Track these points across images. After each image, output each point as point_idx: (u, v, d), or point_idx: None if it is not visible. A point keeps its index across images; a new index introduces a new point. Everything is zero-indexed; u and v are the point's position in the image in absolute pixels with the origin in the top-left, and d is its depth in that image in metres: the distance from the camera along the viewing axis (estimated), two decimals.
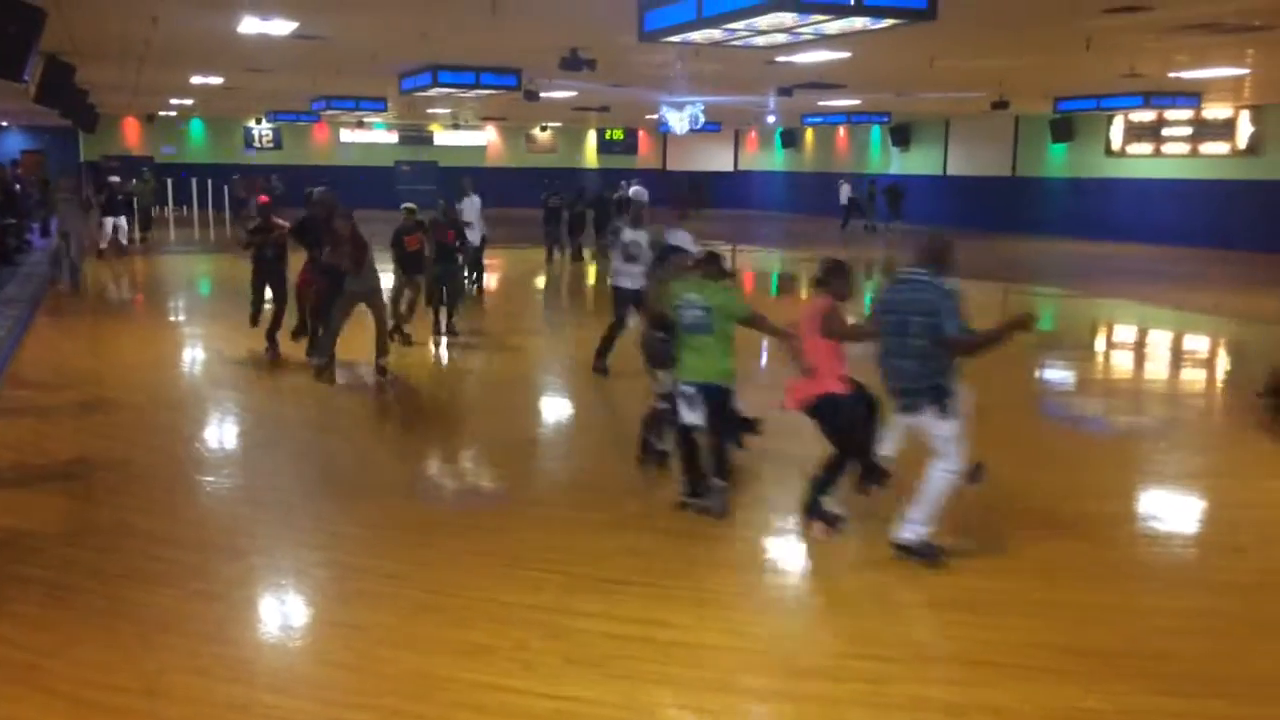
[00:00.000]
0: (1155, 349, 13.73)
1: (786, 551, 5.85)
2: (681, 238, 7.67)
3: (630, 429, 7.30)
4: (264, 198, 12.84)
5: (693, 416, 6.04)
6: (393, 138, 38.71)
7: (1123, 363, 13.07)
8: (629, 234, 9.80)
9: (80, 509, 6.25)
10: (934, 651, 4.52)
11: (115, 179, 22.95)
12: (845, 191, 32.01)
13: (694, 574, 5.29)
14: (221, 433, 8.36)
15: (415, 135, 38.75)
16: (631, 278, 9.40)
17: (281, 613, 4.97)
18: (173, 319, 14.60)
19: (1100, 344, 14.12)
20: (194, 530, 5.96)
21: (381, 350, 9.69)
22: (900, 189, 31.05)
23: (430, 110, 31.71)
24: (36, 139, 34.90)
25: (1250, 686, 4.28)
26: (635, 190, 12.89)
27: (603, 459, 7.60)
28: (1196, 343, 13.91)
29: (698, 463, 6.17)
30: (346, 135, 37.90)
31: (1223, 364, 12.61)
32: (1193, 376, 12.12)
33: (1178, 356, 13.09)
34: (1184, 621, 4.96)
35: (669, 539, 5.79)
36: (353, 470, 7.27)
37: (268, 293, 10.85)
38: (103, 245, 19.83)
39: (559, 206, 22.16)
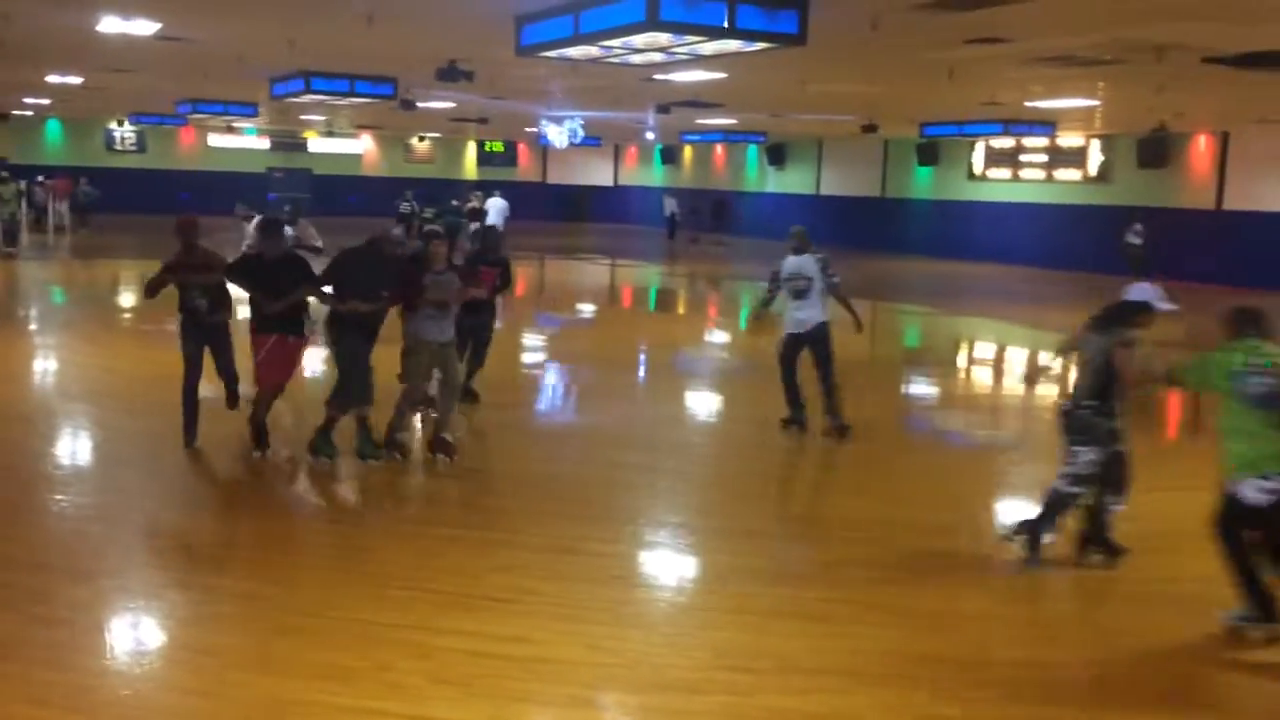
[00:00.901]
0: (1011, 364, 14.31)
1: (653, 567, 5.89)
2: (1144, 291, 5.84)
3: (506, 442, 7.24)
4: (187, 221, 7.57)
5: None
6: (265, 143, 37.67)
7: (981, 378, 13.58)
8: (792, 263, 8.62)
9: None
10: (795, 663, 4.60)
11: None
12: (670, 205, 33.99)
13: (561, 590, 5.28)
14: (72, 448, 7.98)
15: (289, 141, 37.81)
16: (800, 317, 8.45)
17: (129, 638, 4.77)
18: (27, 328, 13.88)
19: (961, 360, 14.65)
20: (36, 551, 5.67)
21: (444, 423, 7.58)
22: (724, 203, 32.86)
23: (304, 116, 30.95)
24: None
25: (1101, 694, 4.47)
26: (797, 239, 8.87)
27: (475, 476, 7.53)
28: (1049, 359, 14.55)
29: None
30: (215, 140, 36.72)
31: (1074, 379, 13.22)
32: (1046, 391, 12.67)
33: (1032, 372, 13.67)
34: (1035, 630, 5.17)
35: (538, 555, 5.76)
36: (210, 488, 7.04)
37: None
38: None
39: (409, 213, 24.31)
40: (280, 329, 7.21)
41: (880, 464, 8.27)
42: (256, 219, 6.57)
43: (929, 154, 28.49)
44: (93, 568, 5.45)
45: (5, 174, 24.24)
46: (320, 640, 4.66)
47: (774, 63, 13.55)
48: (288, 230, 9.80)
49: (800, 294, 8.50)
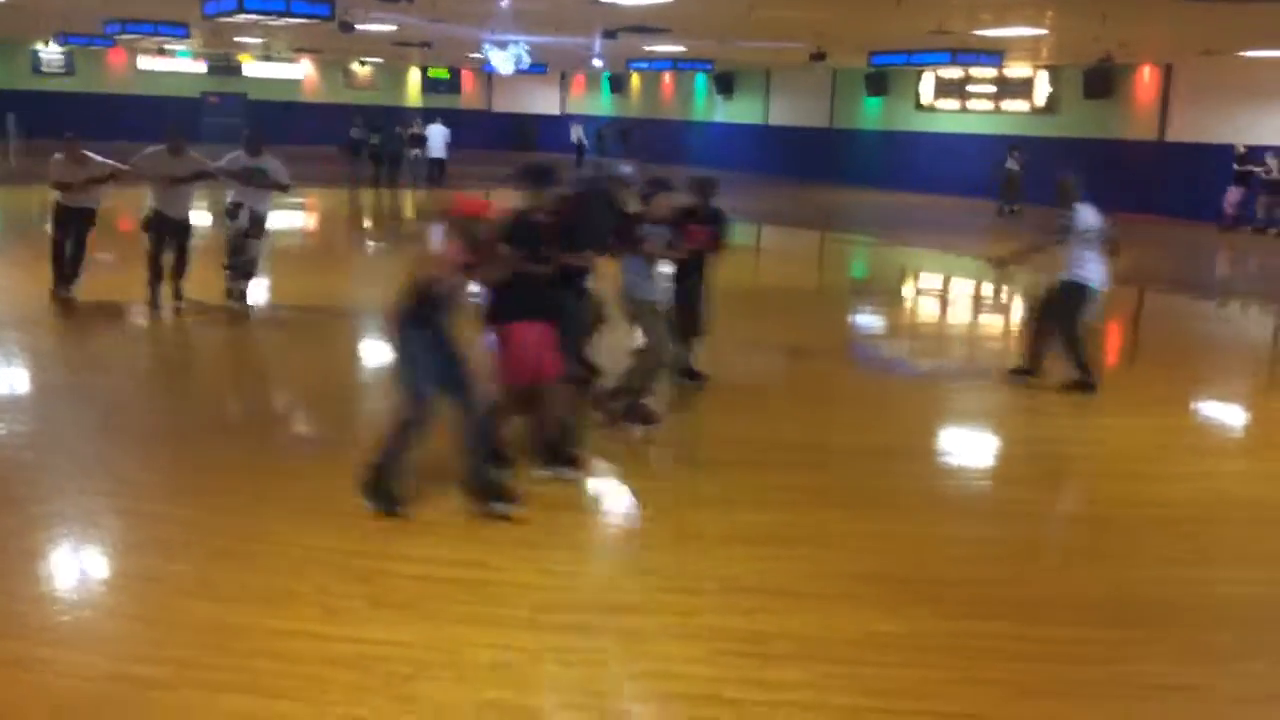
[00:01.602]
0: (957, 295, 14.44)
1: (596, 492, 5.88)
2: None
3: None
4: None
5: None
6: (200, 67, 36.45)
7: (927, 308, 13.69)
8: (1087, 214, 7.73)
9: None
10: (740, 584, 4.63)
11: None
12: (576, 132, 34.66)
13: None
14: (1, 376, 7.76)
15: (224, 66, 36.62)
16: (1103, 272, 7.71)
17: (65, 564, 4.67)
18: None
19: (907, 290, 14.75)
20: None
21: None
22: (627, 130, 33.97)
23: (239, 39, 29.99)
24: None
25: (1030, 608, 4.56)
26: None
27: None
28: (992, 289, 14.71)
29: None
30: (145, 63, 35.44)
31: (1017, 309, 13.37)
32: (989, 320, 12.81)
33: (976, 302, 13.80)
34: (972, 549, 5.26)
35: None
36: (147, 414, 6.89)
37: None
38: None
39: (361, 138, 25.19)
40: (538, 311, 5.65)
41: (823, 391, 8.32)
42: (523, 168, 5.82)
43: (877, 84, 28.36)
44: (23, 495, 5.31)
45: None
46: (260, 565, 4.60)
47: None
48: (253, 162, 9.68)
49: (1090, 245, 7.73)
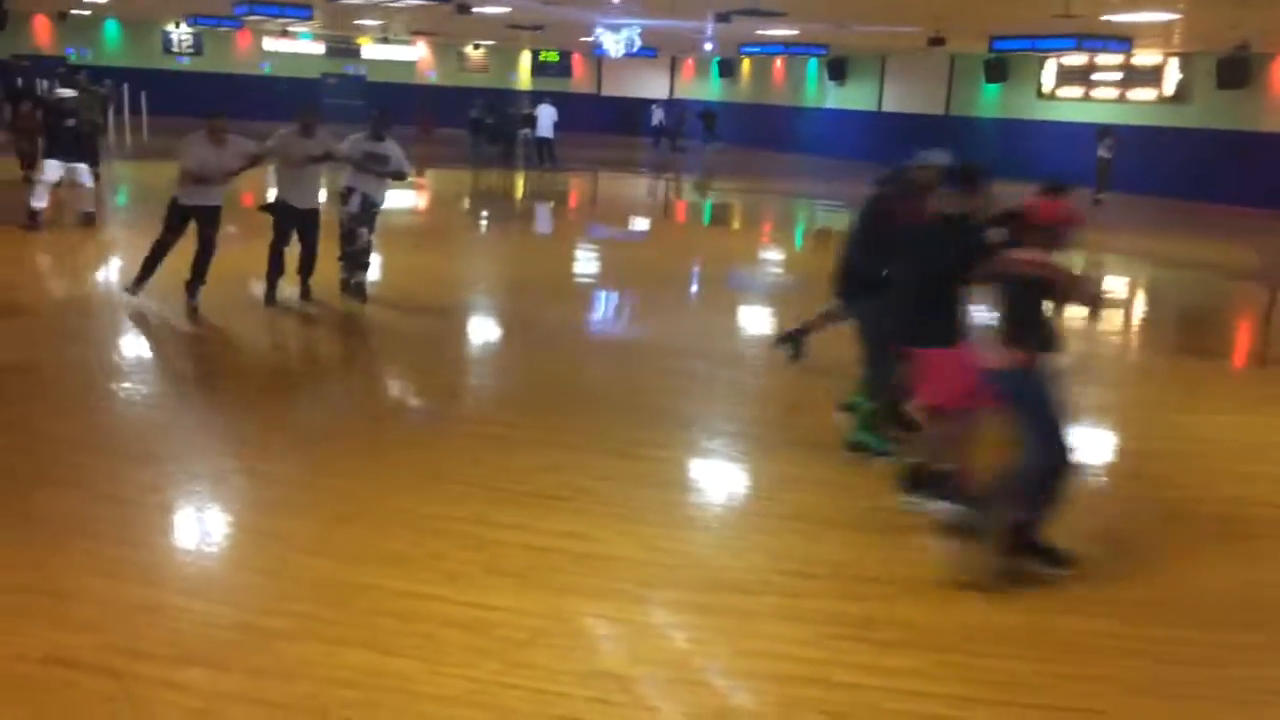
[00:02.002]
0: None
1: (709, 472, 5.89)
2: None
3: (559, 349, 7.21)
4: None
5: None
6: (319, 49, 37.42)
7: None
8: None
9: None
10: (851, 570, 4.59)
11: (66, 92, 14.54)
12: (657, 115, 34.68)
13: (616, 491, 5.30)
14: (136, 341, 8.11)
15: (343, 48, 37.53)
16: None
17: (195, 518, 4.88)
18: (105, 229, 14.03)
19: None
20: (104, 436, 5.80)
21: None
22: (712, 114, 33.06)
23: (359, 22, 30.72)
24: None
25: (1148, 607, 4.42)
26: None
27: (530, 377, 7.56)
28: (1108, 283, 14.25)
29: None
30: (270, 44, 36.52)
31: (1138, 304, 12.93)
32: (1105, 315, 12.41)
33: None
34: (1089, 545, 5.08)
35: (592, 457, 5.78)
36: (274, 382, 7.14)
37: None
38: (38, 205, 12.05)
39: (480, 119, 26.76)
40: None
41: None
42: (945, 165, 5.14)
43: (997, 70, 27.61)
44: (158, 452, 5.56)
45: (84, 77, 19.12)
46: (377, 529, 4.73)
47: None
48: (376, 147, 9.04)
49: None
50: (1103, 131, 22.52)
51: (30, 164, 14.47)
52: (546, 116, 25.15)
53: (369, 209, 9.24)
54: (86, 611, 3.87)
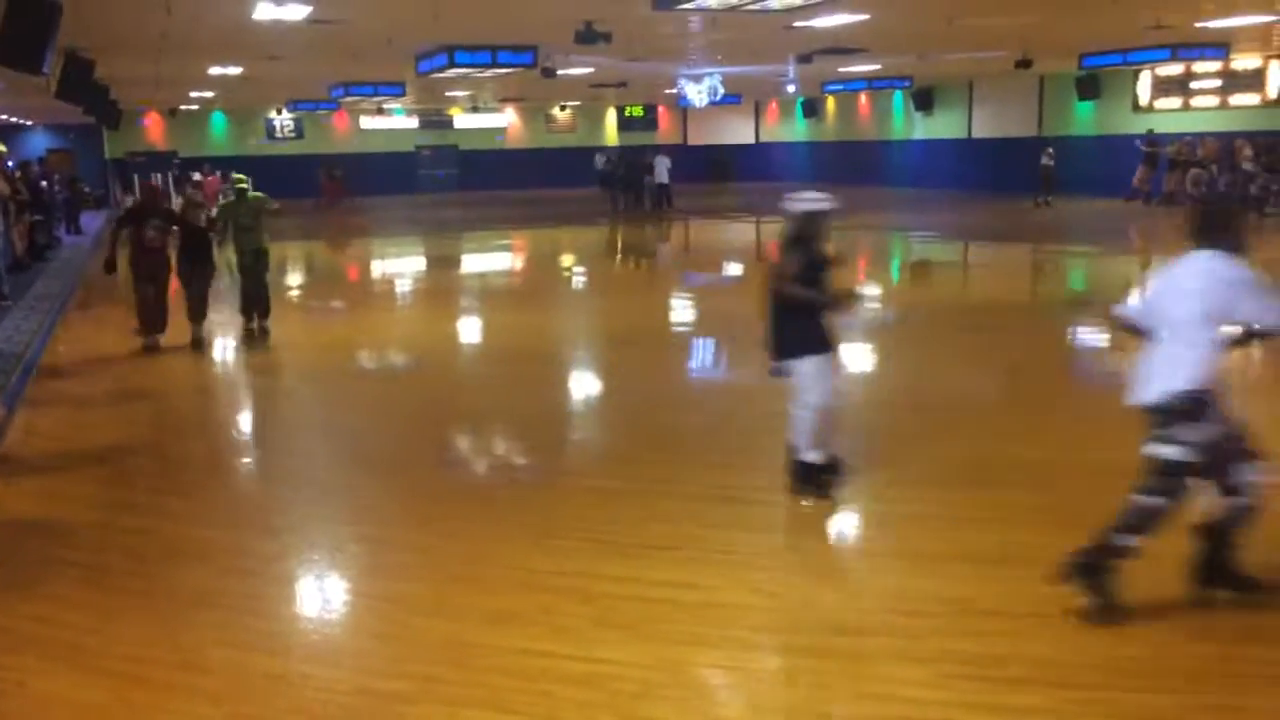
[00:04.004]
0: None
1: (817, 514, 5.82)
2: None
3: (654, 396, 7.21)
4: None
5: None
6: (413, 122, 38.63)
7: None
8: None
9: (114, 493, 6.33)
10: (969, 606, 4.48)
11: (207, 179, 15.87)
12: (599, 161, 33.79)
13: (722, 538, 5.27)
14: (252, 416, 8.42)
15: (435, 119, 38.68)
16: None
17: (315, 587, 5.01)
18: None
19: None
20: (227, 510, 6.02)
21: None
22: (725, 162, 37.27)
23: (449, 93, 31.66)
24: (62, 137, 35.19)
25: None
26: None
27: (627, 429, 7.60)
28: None
29: None
30: (367, 122, 37.86)
31: None
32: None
33: None
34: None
35: (698, 505, 5.77)
36: (381, 447, 7.30)
37: None
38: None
39: (608, 170, 30.68)
40: None
41: (1047, 406, 7.97)
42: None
43: (1089, 87, 27.03)
44: (278, 524, 5.74)
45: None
46: (489, 588, 4.78)
47: None
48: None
49: None
50: (1044, 144, 27.02)
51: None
52: (662, 165, 28.72)
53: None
54: (217, 683, 3.99)
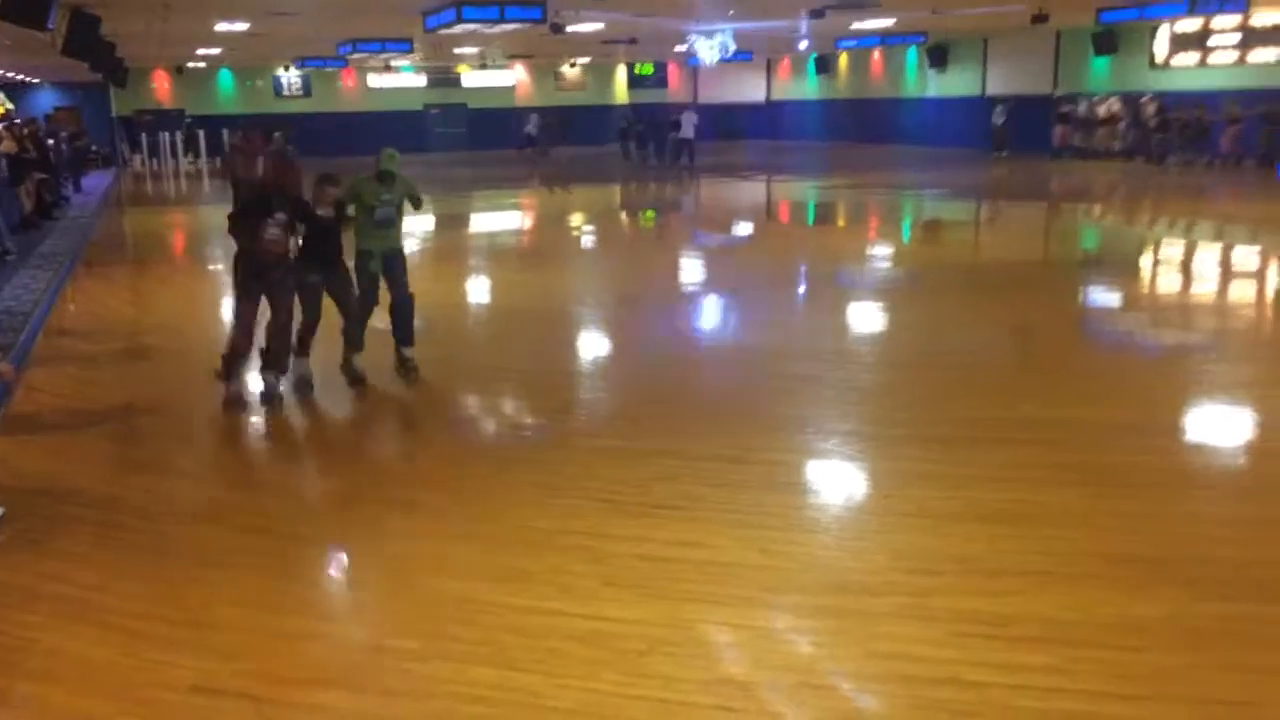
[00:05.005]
0: (1203, 265, 13.39)
1: (825, 473, 5.81)
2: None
3: (661, 357, 7.23)
4: None
5: None
6: (421, 81, 38.37)
7: (1169, 279, 12.76)
8: None
9: (124, 451, 6.34)
10: (978, 565, 4.47)
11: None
12: (531, 123, 34.42)
13: (731, 498, 5.26)
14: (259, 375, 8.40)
15: (443, 78, 38.40)
16: None
17: (324, 545, 5.01)
18: (211, 267, 14.66)
19: (1145, 261, 13.81)
20: (236, 470, 6.04)
21: None
22: (568, 120, 36.18)
23: (457, 50, 31.39)
24: (69, 95, 35.06)
25: None
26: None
27: (637, 389, 7.57)
28: (1245, 256, 13.59)
29: None
30: (374, 80, 37.63)
31: (1272, 278, 12.31)
32: (1241, 290, 11.84)
33: (1225, 271, 12.79)
34: (1231, 528, 4.87)
35: (705, 464, 5.75)
36: (388, 406, 7.30)
37: None
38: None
39: (628, 127, 32.13)
40: None
41: (1058, 365, 7.92)
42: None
43: (1106, 42, 26.65)
44: (287, 483, 5.76)
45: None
46: (497, 546, 4.78)
47: None
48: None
49: None
50: (998, 101, 28.93)
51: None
52: (689, 121, 28.72)
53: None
54: (226, 640, 4.01)
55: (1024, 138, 28.37)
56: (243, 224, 6.84)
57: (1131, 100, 25.77)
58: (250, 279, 6.92)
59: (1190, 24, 24.37)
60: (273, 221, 6.74)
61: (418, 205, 7.81)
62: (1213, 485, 5.55)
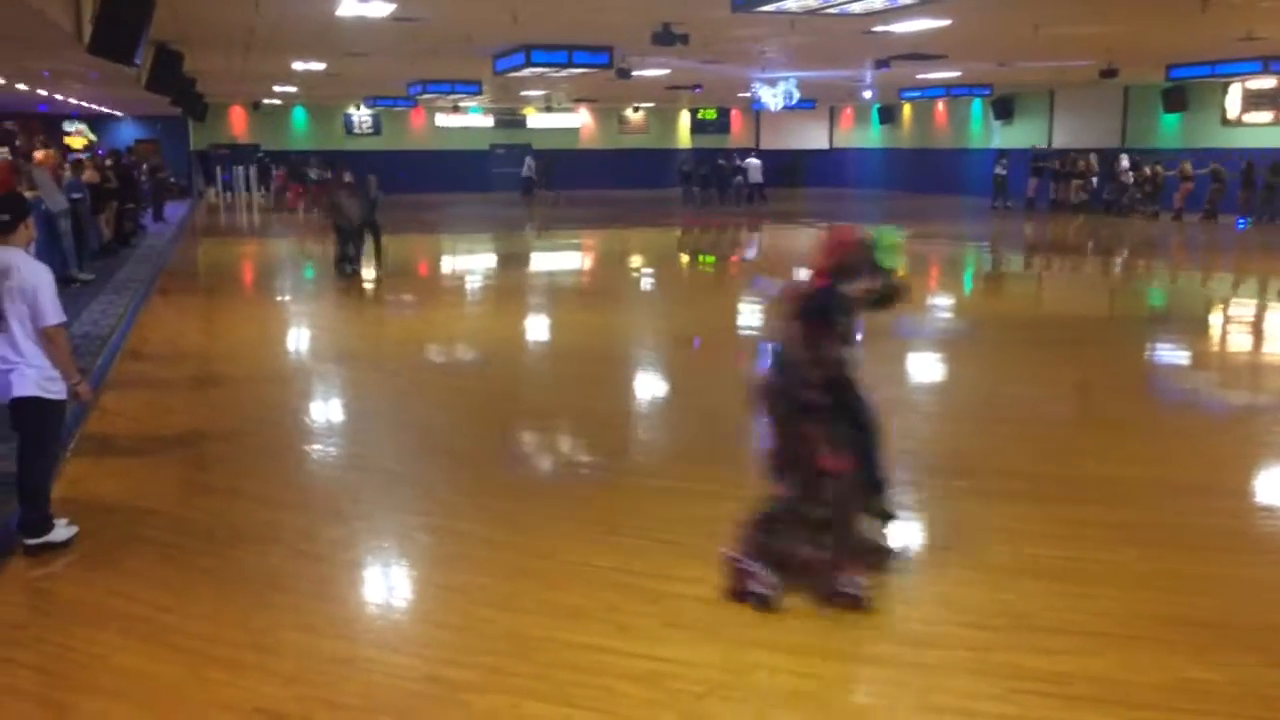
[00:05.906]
0: (1275, 324, 13.15)
1: (883, 523, 5.77)
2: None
3: (725, 397, 7.22)
4: None
5: None
6: (488, 121, 39.07)
7: (1238, 338, 12.54)
8: None
9: (193, 475, 6.51)
10: (1037, 621, 4.42)
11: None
12: (528, 166, 36.31)
13: None
14: (325, 405, 8.59)
15: (509, 119, 39.07)
16: None
17: (384, 574, 5.10)
18: (280, 298, 15.01)
19: (1215, 319, 13.59)
20: (300, 495, 6.15)
21: None
22: (551, 164, 36.42)
23: (524, 93, 31.94)
24: (149, 128, 36.20)
25: None
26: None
27: (698, 429, 7.60)
28: None
29: None
30: (442, 120, 38.38)
31: None
32: None
33: None
34: None
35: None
36: (452, 440, 7.41)
37: None
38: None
39: (689, 171, 34.08)
40: None
41: (1118, 423, 7.81)
42: None
43: (1176, 99, 26.43)
44: (349, 511, 5.85)
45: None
46: (554, 582, 4.83)
47: (1004, 4, 12.89)
48: None
49: None
50: (1000, 154, 30.57)
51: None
52: (755, 167, 32.31)
53: None
54: (288, 665, 4.09)
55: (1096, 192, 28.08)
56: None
57: (1104, 156, 27.80)
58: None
59: (1264, 82, 24.07)
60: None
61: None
62: (1265, 549, 5.43)
